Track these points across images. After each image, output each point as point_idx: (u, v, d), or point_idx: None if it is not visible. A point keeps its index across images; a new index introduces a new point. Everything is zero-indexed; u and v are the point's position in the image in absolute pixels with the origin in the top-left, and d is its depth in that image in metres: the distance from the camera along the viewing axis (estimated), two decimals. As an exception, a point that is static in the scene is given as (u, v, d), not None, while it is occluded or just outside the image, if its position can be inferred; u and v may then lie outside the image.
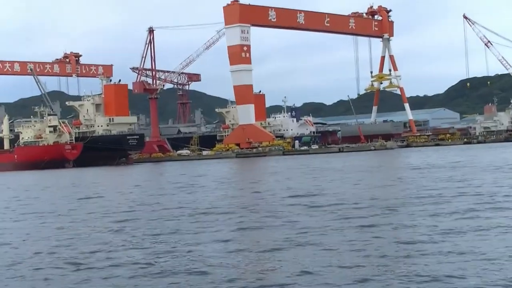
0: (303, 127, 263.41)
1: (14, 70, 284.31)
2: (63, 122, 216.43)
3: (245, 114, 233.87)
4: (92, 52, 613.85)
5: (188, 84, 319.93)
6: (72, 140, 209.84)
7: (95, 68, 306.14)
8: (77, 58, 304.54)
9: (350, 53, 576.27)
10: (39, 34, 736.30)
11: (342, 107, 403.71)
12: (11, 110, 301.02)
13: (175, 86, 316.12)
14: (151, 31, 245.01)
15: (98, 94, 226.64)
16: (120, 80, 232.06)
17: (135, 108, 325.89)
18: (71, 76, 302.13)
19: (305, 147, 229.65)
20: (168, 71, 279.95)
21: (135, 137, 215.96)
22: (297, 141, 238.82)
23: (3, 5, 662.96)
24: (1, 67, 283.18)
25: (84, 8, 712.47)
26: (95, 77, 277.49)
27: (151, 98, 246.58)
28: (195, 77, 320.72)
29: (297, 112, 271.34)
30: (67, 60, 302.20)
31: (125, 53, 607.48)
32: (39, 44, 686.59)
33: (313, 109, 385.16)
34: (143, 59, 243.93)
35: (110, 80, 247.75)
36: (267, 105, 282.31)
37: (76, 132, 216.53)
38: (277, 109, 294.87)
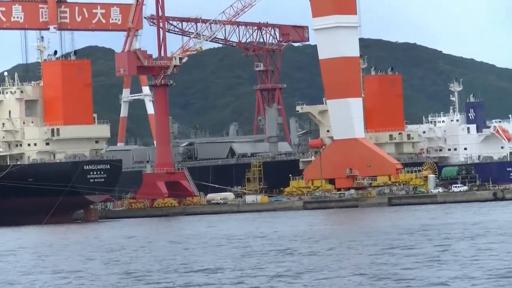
0: (491, 142, 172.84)
1: None
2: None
3: (343, 118, 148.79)
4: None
5: (279, 50, 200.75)
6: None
7: (103, 11, 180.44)
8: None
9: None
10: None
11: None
12: None
13: (249, 53, 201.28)
14: None
15: (37, 82, 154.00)
16: (75, 53, 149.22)
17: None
18: (47, 29, 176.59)
19: (439, 190, 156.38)
20: (202, 20, 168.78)
21: (102, 166, 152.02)
22: (432, 176, 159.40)
23: None
24: None
25: None
26: (105, 30, 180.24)
27: (155, 85, 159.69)
28: (297, 34, 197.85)
29: (478, 113, 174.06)
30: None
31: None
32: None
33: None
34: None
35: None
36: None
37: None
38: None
